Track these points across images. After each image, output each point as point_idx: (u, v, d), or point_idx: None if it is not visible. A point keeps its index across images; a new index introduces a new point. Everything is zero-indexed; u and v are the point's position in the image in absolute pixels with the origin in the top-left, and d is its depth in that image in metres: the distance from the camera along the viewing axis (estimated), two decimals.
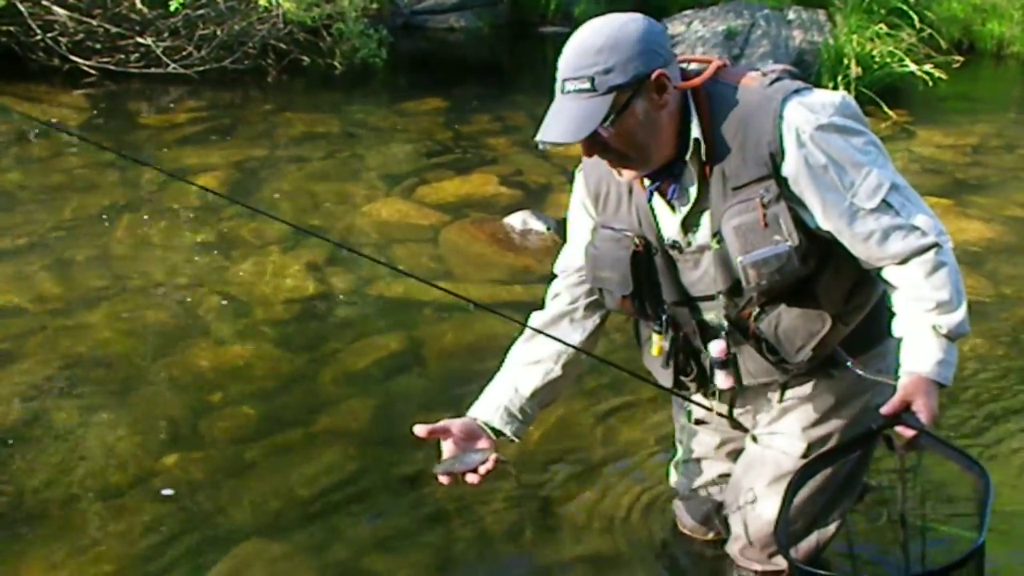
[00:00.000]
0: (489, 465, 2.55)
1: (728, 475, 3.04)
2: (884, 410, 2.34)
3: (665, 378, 2.81)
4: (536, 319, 2.81)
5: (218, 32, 9.50)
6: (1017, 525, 3.36)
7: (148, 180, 6.86)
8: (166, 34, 9.42)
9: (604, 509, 3.45)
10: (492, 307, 4.90)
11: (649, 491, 3.52)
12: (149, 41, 9.27)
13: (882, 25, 9.91)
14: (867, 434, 2.46)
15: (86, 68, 9.20)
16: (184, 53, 9.36)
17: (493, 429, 2.68)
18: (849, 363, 2.65)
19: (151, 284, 5.22)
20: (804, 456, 2.75)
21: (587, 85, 2.31)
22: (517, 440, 2.74)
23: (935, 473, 2.80)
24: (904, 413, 2.32)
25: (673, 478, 3.21)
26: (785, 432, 2.80)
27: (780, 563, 2.85)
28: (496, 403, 2.72)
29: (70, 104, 8.59)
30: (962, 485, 2.37)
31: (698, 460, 3.11)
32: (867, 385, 2.66)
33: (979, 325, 4.82)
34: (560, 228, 5.48)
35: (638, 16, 2.39)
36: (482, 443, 2.65)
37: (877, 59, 9.54)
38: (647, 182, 2.52)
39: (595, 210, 2.70)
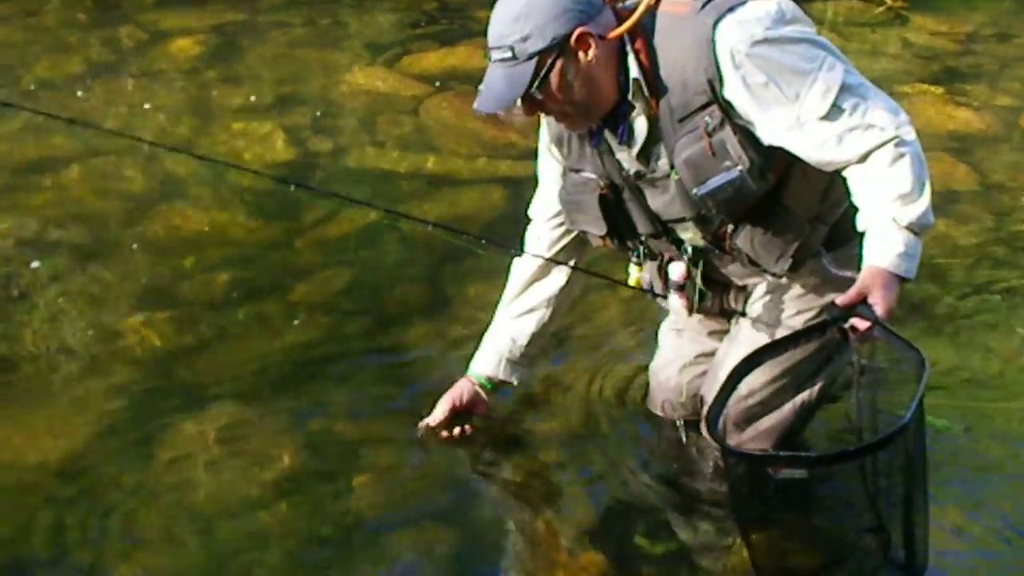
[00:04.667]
0: (456, 432, 3.02)
1: (707, 355, 3.03)
2: (839, 301, 2.33)
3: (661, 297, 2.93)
4: (522, 270, 2.98)
5: None
6: (992, 419, 3.37)
7: (128, 41, 6.70)
8: None
9: (578, 388, 3.43)
10: (477, 182, 4.90)
11: (624, 371, 3.51)
12: None
13: None
14: (820, 325, 2.45)
15: None
16: None
17: (490, 381, 3.04)
18: (824, 259, 2.68)
19: (127, 146, 5.11)
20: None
21: (508, 54, 2.39)
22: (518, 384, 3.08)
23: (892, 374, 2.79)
24: (860, 305, 2.30)
25: (654, 355, 3.20)
26: (773, 309, 2.80)
27: (757, 445, 2.86)
28: (498, 355, 3.01)
29: None
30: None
31: (679, 331, 3.11)
32: (852, 266, 2.63)
33: (964, 214, 4.80)
34: None
35: None
36: (478, 409, 3.07)
37: None
38: (593, 128, 2.59)
39: (560, 154, 2.77)
